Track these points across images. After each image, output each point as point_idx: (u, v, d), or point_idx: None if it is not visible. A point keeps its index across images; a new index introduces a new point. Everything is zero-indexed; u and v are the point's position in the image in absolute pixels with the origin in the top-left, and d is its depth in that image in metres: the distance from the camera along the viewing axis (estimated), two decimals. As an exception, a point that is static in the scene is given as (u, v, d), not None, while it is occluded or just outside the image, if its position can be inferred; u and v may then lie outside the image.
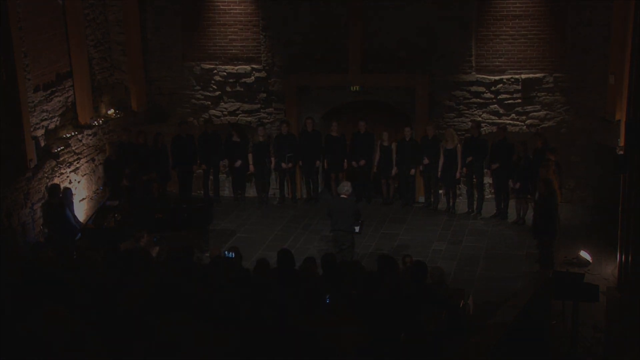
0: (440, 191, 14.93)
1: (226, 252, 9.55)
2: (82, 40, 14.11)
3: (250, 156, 15.17)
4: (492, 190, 14.59)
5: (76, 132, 13.96)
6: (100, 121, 14.80)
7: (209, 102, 15.97)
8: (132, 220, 12.51)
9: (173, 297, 7.75)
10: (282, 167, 15.15)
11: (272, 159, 15.15)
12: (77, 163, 13.95)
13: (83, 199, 14.08)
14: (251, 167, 15.26)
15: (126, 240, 10.91)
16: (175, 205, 14.31)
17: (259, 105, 15.83)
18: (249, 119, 15.87)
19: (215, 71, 15.81)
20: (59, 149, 13.36)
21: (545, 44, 14.52)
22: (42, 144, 13.04)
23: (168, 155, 15.03)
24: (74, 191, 13.33)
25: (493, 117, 14.98)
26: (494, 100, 14.93)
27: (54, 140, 13.42)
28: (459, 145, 14.42)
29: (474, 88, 14.97)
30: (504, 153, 14.02)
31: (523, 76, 14.74)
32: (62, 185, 13.13)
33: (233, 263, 9.24)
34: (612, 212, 12.41)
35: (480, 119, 14.96)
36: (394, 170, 14.83)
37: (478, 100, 15.00)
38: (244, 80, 15.75)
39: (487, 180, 14.67)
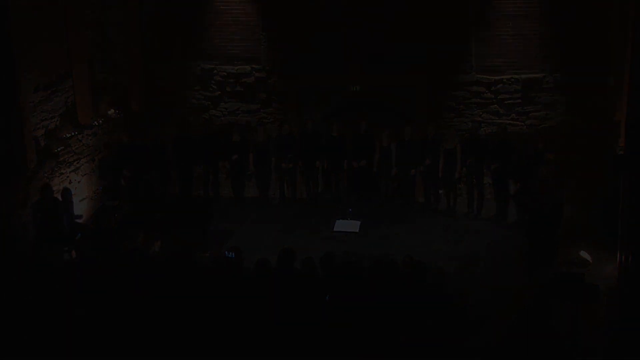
0: (440, 191, 14.94)
1: (226, 252, 9.55)
2: (82, 40, 14.11)
3: (251, 156, 15.17)
4: (492, 190, 14.60)
5: (76, 132, 13.96)
6: (100, 121, 14.80)
7: (209, 102, 15.97)
8: (132, 220, 12.52)
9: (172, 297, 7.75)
10: (282, 167, 15.15)
11: (273, 159, 15.15)
12: (77, 163, 13.95)
13: (83, 199, 14.08)
14: (251, 167, 15.26)
15: (126, 240, 10.91)
16: (175, 205, 14.32)
17: (259, 105, 15.83)
18: (249, 119, 15.87)
19: (215, 71, 15.81)
20: (59, 149, 13.36)
21: (545, 44, 14.53)
22: (42, 144, 13.04)
23: (168, 155, 15.03)
24: (74, 191, 13.32)
25: (493, 117, 14.99)
26: (494, 100, 14.94)
27: (54, 140, 13.41)
28: (458, 145, 14.43)
29: (474, 88, 14.98)
30: (504, 153, 14.02)
31: (523, 76, 14.74)
32: (61, 186, 13.13)
33: (233, 263, 9.25)
34: (613, 212, 12.41)
35: (480, 119, 14.96)
36: (394, 171, 14.82)
37: (478, 100, 15.01)
38: (244, 80, 15.76)
39: (487, 180, 14.67)
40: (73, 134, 13.86)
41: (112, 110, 15.40)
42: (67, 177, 13.59)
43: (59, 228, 12.19)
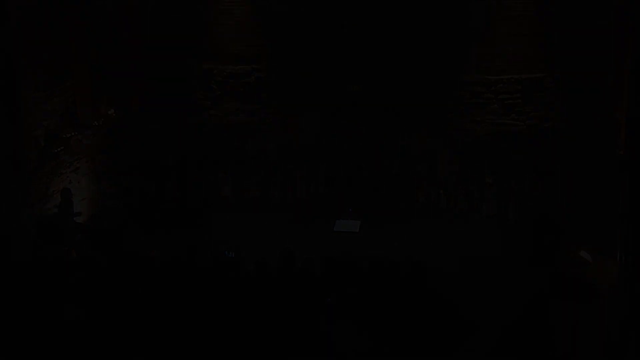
0: (440, 191, 14.94)
1: (226, 252, 9.56)
2: (82, 40, 14.10)
3: (251, 157, 15.18)
4: (492, 191, 14.60)
5: (76, 132, 13.95)
6: (100, 121, 14.79)
7: (209, 102, 15.97)
8: (131, 221, 12.54)
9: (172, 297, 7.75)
10: (282, 168, 15.16)
11: (274, 159, 15.16)
12: (77, 163, 13.94)
13: (83, 199, 14.07)
14: (253, 168, 15.27)
15: (126, 240, 10.92)
16: (175, 205, 14.33)
17: (259, 106, 15.83)
18: (249, 119, 15.87)
19: (215, 71, 15.80)
20: (59, 149, 13.35)
21: (545, 44, 14.53)
22: (42, 144, 13.04)
23: (168, 156, 15.03)
24: (73, 191, 13.32)
25: (493, 117, 14.99)
26: (494, 100, 14.94)
27: (54, 140, 13.40)
28: (458, 146, 14.45)
29: (474, 88, 14.98)
30: (503, 154, 14.03)
31: (523, 76, 14.74)
32: (61, 186, 13.12)
33: (233, 263, 9.26)
34: (613, 212, 12.40)
35: (480, 119, 14.97)
36: (394, 171, 14.83)
37: (478, 100, 15.00)
38: (244, 80, 15.76)
39: (488, 180, 14.68)
40: (73, 134, 13.85)
41: (112, 110, 15.39)
42: (67, 177, 13.58)
43: (59, 228, 12.20)
